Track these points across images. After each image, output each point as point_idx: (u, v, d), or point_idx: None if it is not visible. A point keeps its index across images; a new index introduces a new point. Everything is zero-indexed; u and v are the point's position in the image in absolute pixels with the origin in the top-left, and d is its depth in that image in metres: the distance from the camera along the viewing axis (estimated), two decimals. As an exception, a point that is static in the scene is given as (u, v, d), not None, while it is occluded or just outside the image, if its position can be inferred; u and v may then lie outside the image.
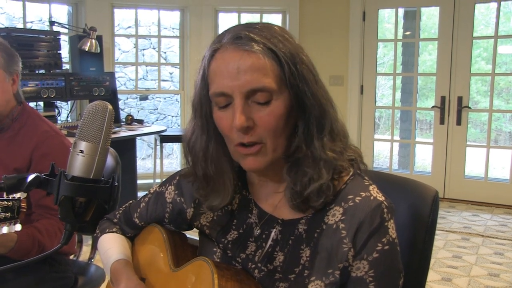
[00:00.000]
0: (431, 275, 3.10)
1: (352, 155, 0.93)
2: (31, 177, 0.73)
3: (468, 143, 4.95)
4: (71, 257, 1.85)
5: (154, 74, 7.78)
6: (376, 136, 5.56)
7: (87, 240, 2.21)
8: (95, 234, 1.21)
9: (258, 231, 0.97)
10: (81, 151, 0.73)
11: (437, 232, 1.11)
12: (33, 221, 1.54)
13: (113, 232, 1.17)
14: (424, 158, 6.72)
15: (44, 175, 0.73)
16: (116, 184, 0.78)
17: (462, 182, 4.93)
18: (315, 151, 0.87)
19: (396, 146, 6.48)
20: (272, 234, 0.95)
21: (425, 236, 1.07)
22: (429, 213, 1.07)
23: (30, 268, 1.59)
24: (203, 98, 0.91)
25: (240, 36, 0.85)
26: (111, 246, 1.11)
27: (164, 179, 1.15)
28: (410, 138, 5.55)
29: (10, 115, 1.64)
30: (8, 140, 1.63)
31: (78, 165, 0.72)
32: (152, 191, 1.15)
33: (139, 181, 4.49)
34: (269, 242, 0.95)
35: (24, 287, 1.56)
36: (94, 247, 1.91)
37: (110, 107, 0.78)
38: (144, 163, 7.55)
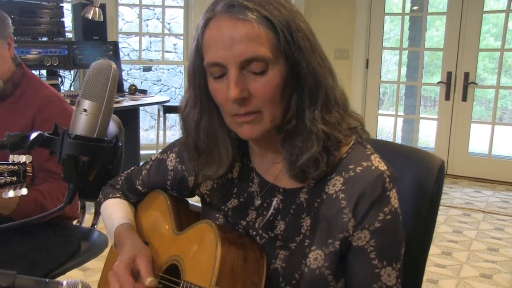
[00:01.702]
0: (431, 249, 3.11)
1: (353, 123, 0.92)
2: (34, 135, 0.72)
3: (473, 120, 4.91)
4: (74, 222, 1.87)
5: (157, 45, 7.71)
6: (380, 111, 5.53)
7: (90, 208, 2.22)
8: (98, 199, 1.21)
9: (259, 201, 0.96)
10: (85, 110, 0.71)
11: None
12: (36, 185, 1.54)
13: (116, 197, 1.17)
14: (427, 134, 6.69)
15: (47, 133, 0.73)
16: (120, 144, 0.77)
17: (466, 159, 4.92)
18: (307, 122, 0.85)
19: (400, 121, 6.45)
20: (274, 203, 0.95)
21: (429, 206, 1.06)
22: (434, 183, 1.05)
23: (34, 232, 1.60)
24: (197, 69, 0.89)
25: (233, 4, 0.82)
26: (114, 211, 1.12)
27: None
28: (415, 114, 5.52)
29: (10, 80, 1.62)
30: (9, 106, 1.62)
31: (81, 124, 0.71)
32: (153, 158, 1.14)
33: (142, 152, 4.51)
34: (271, 211, 0.94)
35: (28, 250, 1.57)
36: (97, 214, 1.92)
37: (114, 66, 0.76)
38: (147, 134, 7.55)
